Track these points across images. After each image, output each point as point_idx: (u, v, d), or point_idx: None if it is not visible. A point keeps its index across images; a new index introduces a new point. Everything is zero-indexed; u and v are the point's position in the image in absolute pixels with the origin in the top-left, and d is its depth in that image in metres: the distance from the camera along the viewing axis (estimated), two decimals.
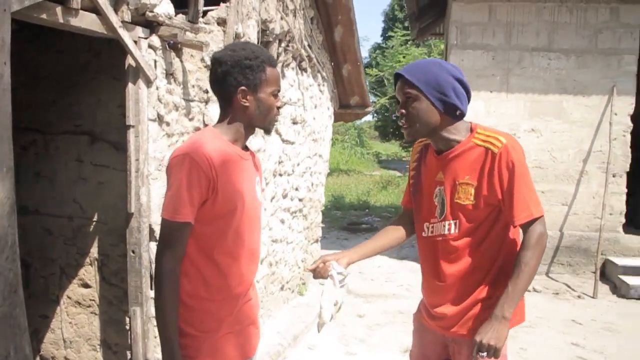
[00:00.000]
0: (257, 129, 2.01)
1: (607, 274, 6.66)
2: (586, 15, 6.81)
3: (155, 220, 2.75)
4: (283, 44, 4.42)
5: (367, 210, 13.22)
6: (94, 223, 3.05)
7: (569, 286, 6.55)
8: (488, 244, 1.99)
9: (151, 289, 2.77)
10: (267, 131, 2.02)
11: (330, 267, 1.98)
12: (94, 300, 3.10)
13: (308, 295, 5.48)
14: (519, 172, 1.88)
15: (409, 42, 21.40)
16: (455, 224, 2.00)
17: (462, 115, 1.99)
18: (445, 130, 1.99)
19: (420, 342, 2.27)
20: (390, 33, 22.84)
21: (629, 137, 6.79)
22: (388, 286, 6.47)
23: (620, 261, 6.57)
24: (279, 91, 1.96)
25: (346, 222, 11.08)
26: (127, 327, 2.91)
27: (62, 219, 3.12)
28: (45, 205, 3.15)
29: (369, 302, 5.74)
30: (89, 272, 3.09)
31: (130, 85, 2.65)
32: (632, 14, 6.73)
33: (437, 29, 11.44)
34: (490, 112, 7.01)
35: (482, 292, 2.01)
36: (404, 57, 19.79)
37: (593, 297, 6.11)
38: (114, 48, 2.67)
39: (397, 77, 2.00)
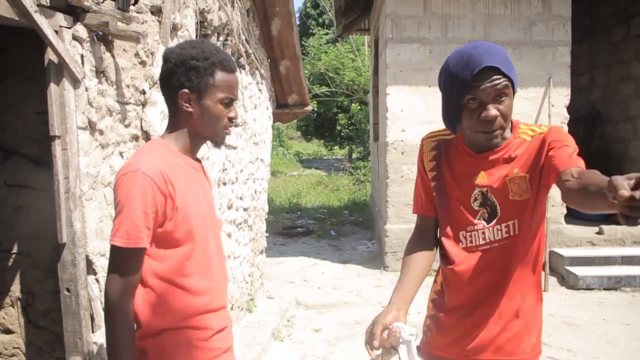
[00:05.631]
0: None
1: (553, 266, 6.65)
2: (520, 7, 6.79)
3: (94, 249, 2.27)
4: (221, 38, 3.97)
5: (299, 212, 12.89)
6: (14, 256, 2.49)
7: None
8: (537, 243, 1.75)
9: (93, 332, 2.29)
10: (216, 144, 1.73)
11: (398, 332, 1.56)
12: (18, 347, 2.55)
13: (257, 312, 5.05)
14: (566, 141, 1.59)
15: (330, 42, 21.19)
16: (513, 225, 1.68)
17: None
18: None
19: None
20: (311, 30, 22.49)
21: (566, 128, 6.80)
22: (337, 294, 6.14)
23: (566, 252, 6.58)
24: (232, 100, 1.66)
25: (280, 226, 10.68)
26: None
27: None
28: None
29: (321, 314, 5.38)
30: (11, 315, 2.54)
31: (52, 86, 2.13)
32: (563, 5, 6.78)
33: (362, 24, 11.32)
34: (430, 106, 6.86)
35: (523, 305, 1.76)
36: (326, 53, 19.53)
37: (544, 291, 6.03)
38: (26, 41, 2.19)
39: (484, 68, 1.52)
